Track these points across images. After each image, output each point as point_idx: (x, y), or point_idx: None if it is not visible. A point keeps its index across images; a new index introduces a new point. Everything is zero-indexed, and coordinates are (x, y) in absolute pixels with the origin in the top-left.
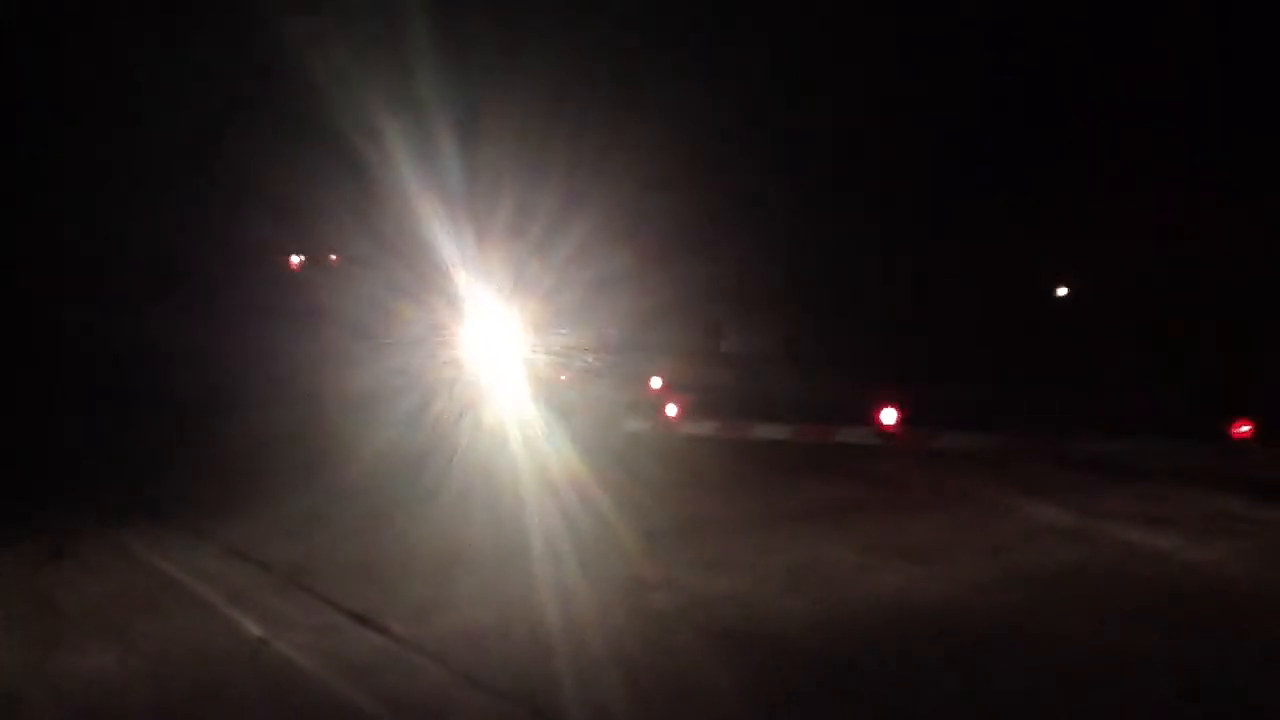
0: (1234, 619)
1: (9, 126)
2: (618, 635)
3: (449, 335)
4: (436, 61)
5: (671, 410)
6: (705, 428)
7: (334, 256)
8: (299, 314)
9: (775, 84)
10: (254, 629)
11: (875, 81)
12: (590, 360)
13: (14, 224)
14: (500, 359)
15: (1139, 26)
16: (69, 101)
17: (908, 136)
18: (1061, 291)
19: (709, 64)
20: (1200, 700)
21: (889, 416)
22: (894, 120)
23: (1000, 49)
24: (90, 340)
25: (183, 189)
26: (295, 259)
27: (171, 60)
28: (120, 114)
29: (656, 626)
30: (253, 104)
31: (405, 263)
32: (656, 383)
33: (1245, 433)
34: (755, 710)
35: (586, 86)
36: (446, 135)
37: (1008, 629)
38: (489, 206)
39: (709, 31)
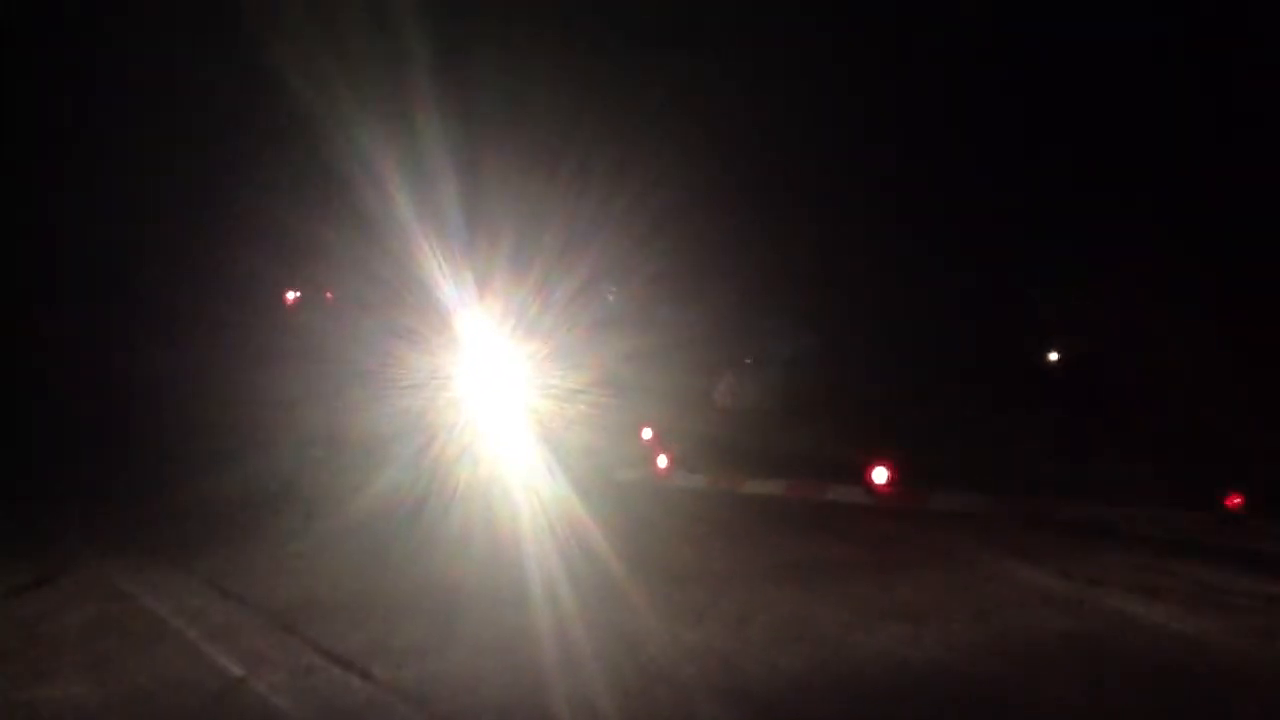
0: (1224, 694)
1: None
2: (601, 686)
3: (448, 376)
4: (438, 101)
5: (662, 462)
6: (695, 481)
7: (329, 294)
8: (296, 353)
9: (770, 125)
10: (232, 667)
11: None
12: (589, 402)
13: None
14: (499, 401)
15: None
16: (65, 134)
17: (905, 196)
18: (1052, 356)
19: (714, 104)
20: None
21: (880, 475)
22: (888, 190)
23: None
24: (84, 375)
25: (179, 224)
26: (291, 295)
27: (167, 93)
28: (116, 148)
29: (641, 679)
30: (251, 140)
31: (404, 303)
32: (647, 434)
33: (1236, 505)
34: None
35: (587, 129)
36: (447, 175)
37: (994, 695)
38: (490, 246)
39: (713, 73)
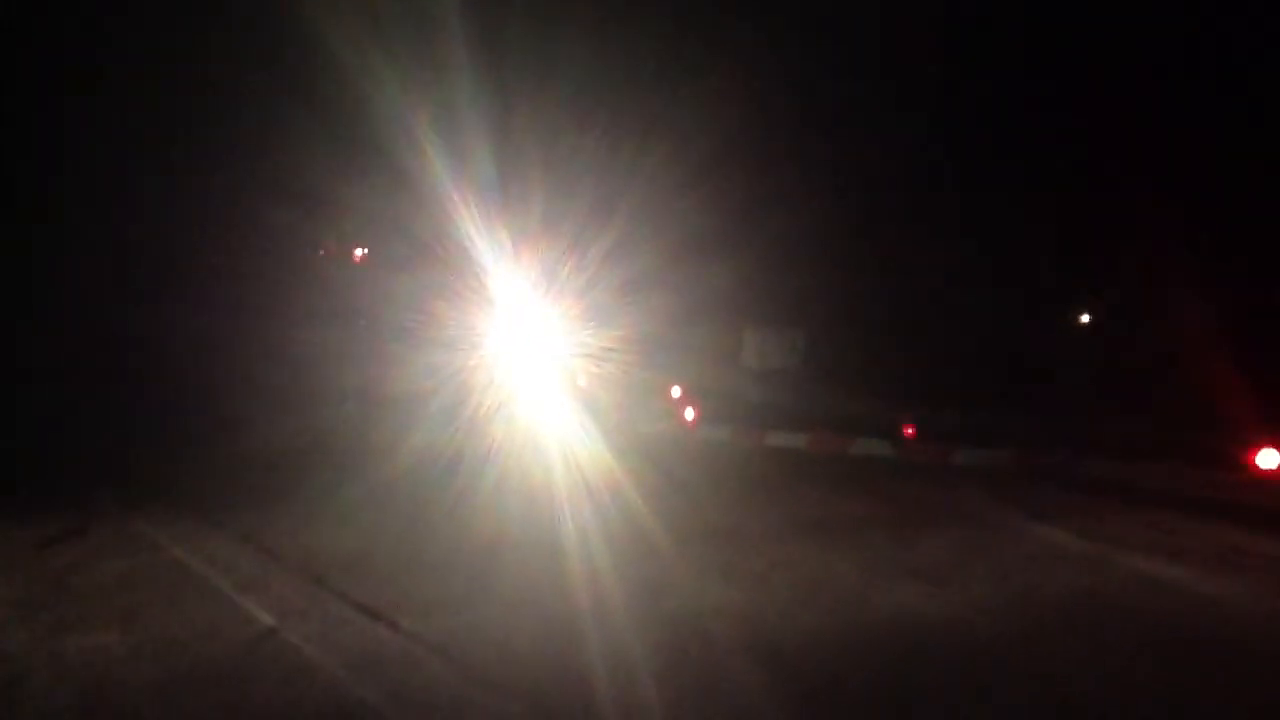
0: (1241, 655)
1: (33, 116)
2: (624, 639)
3: (483, 333)
4: (471, 58)
5: (689, 415)
6: (721, 432)
7: (360, 252)
8: (334, 311)
9: (809, 90)
10: (263, 617)
11: (909, 102)
12: (619, 360)
13: (36, 217)
14: (534, 357)
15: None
16: (95, 93)
17: (939, 157)
18: (1085, 318)
19: (744, 64)
20: None
21: (906, 432)
22: (928, 142)
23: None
24: (120, 331)
25: (215, 182)
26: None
27: (202, 53)
28: (149, 105)
29: (665, 632)
30: (286, 100)
31: (440, 261)
32: (676, 391)
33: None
34: (753, 718)
35: (621, 83)
36: (481, 132)
37: (1011, 653)
38: (523, 205)
39: (744, 34)
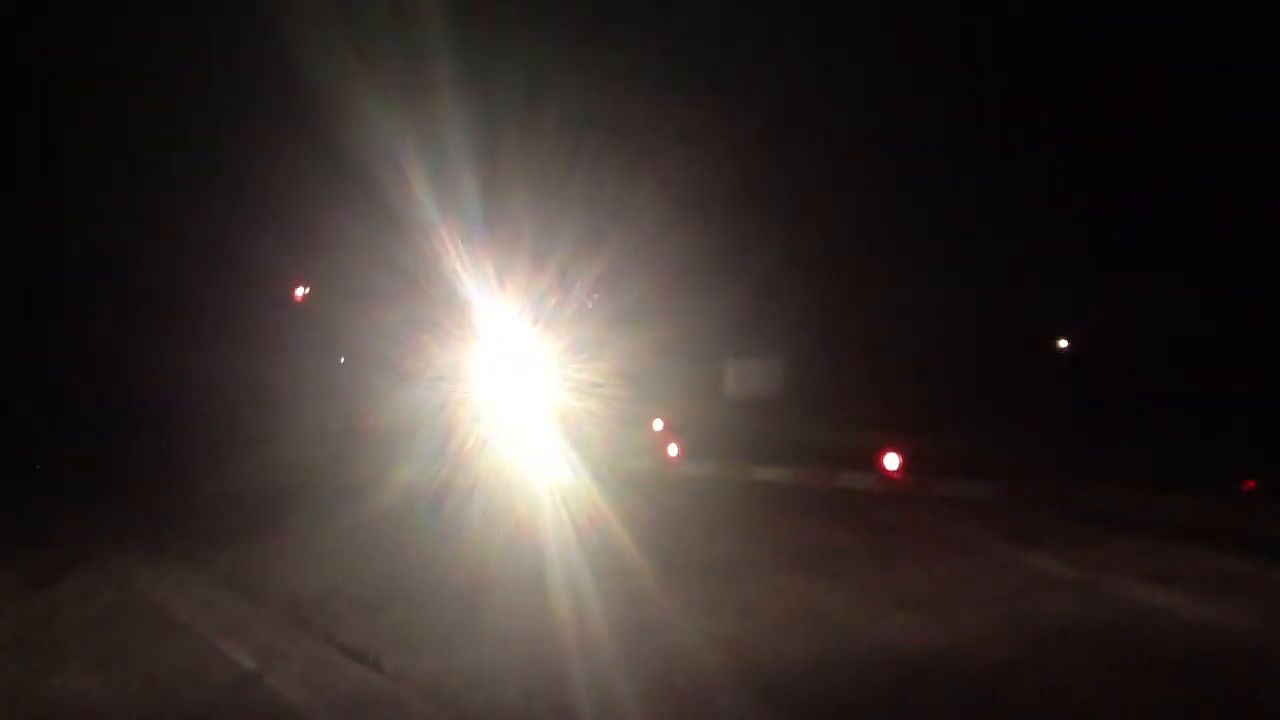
0: (1235, 680)
1: (15, 145)
2: (612, 675)
3: (468, 367)
4: (456, 92)
5: (673, 451)
6: (705, 468)
7: (301, 291)
8: (316, 347)
9: (789, 122)
10: (245, 661)
11: (888, 125)
12: (603, 394)
13: (21, 248)
14: (519, 391)
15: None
16: (78, 123)
17: (914, 187)
18: (1062, 344)
19: (725, 99)
20: None
21: (892, 462)
22: (902, 171)
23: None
24: (98, 367)
25: (197, 218)
26: (300, 291)
27: (181, 84)
28: (131, 138)
29: (654, 668)
30: (270, 133)
31: (425, 295)
32: (658, 424)
33: (1251, 488)
34: None
35: (608, 117)
36: (467, 165)
37: (1005, 682)
38: (509, 238)
39: (718, 75)
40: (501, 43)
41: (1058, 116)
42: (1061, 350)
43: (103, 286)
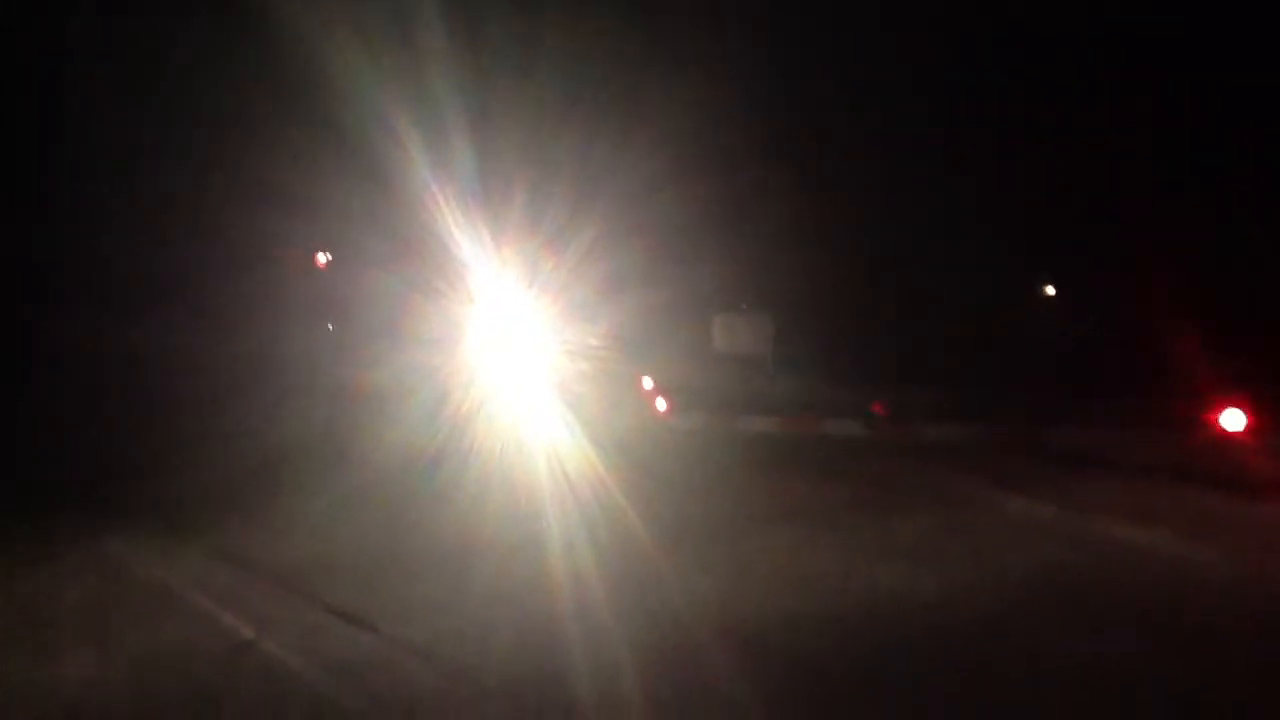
0: (1219, 618)
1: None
2: (606, 634)
3: (464, 331)
4: (449, 55)
5: (662, 405)
6: (694, 420)
7: (324, 257)
8: (312, 312)
9: (777, 84)
10: (241, 629)
11: (872, 89)
12: (594, 354)
13: (7, 223)
14: (514, 354)
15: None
16: (69, 94)
17: (898, 140)
18: (1049, 290)
19: (714, 62)
20: (1185, 701)
21: (877, 409)
22: (889, 124)
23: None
24: (86, 341)
25: (180, 188)
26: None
27: (171, 52)
28: (125, 108)
29: (646, 627)
30: (263, 98)
31: (419, 258)
32: (648, 382)
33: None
34: (737, 711)
35: (598, 82)
36: (460, 130)
37: (994, 629)
38: (503, 203)
39: (715, 31)
40: (493, 5)
41: (1040, 73)
42: (1048, 297)
43: (80, 267)
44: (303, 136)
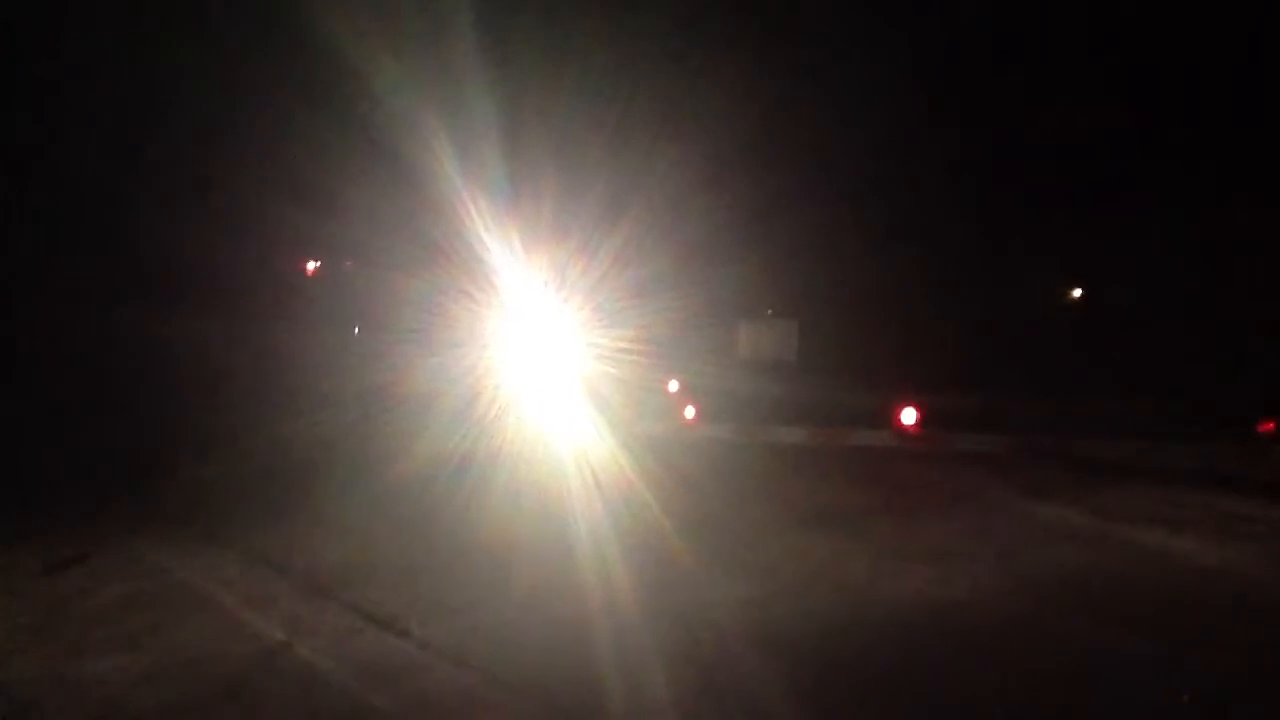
0: (1245, 625)
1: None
2: (636, 634)
3: (493, 334)
4: (481, 56)
5: (690, 412)
6: (722, 430)
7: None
8: (341, 315)
9: (802, 90)
10: (274, 633)
11: (896, 91)
12: (622, 359)
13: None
14: (543, 357)
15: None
16: (78, 93)
17: (923, 147)
18: (1076, 293)
19: (740, 68)
20: (1211, 706)
21: (909, 417)
22: (910, 132)
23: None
24: (113, 345)
25: (210, 188)
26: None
27: (202, 52)
28: (147, 109)
29: (678, 627)
30: (292, 102)
31: (449, 262)
32: (674, 386)
33: (1269, 430)
34: (767, 710)
35: (630, 90)
36: (490, 131)
37: (1021, 632)
38: (533, 205)
39: (737, 43)
40: (525, 9)
41: (1063, 75)
42: (1075, 300)
43: (105, 263)
44: (334, 139)
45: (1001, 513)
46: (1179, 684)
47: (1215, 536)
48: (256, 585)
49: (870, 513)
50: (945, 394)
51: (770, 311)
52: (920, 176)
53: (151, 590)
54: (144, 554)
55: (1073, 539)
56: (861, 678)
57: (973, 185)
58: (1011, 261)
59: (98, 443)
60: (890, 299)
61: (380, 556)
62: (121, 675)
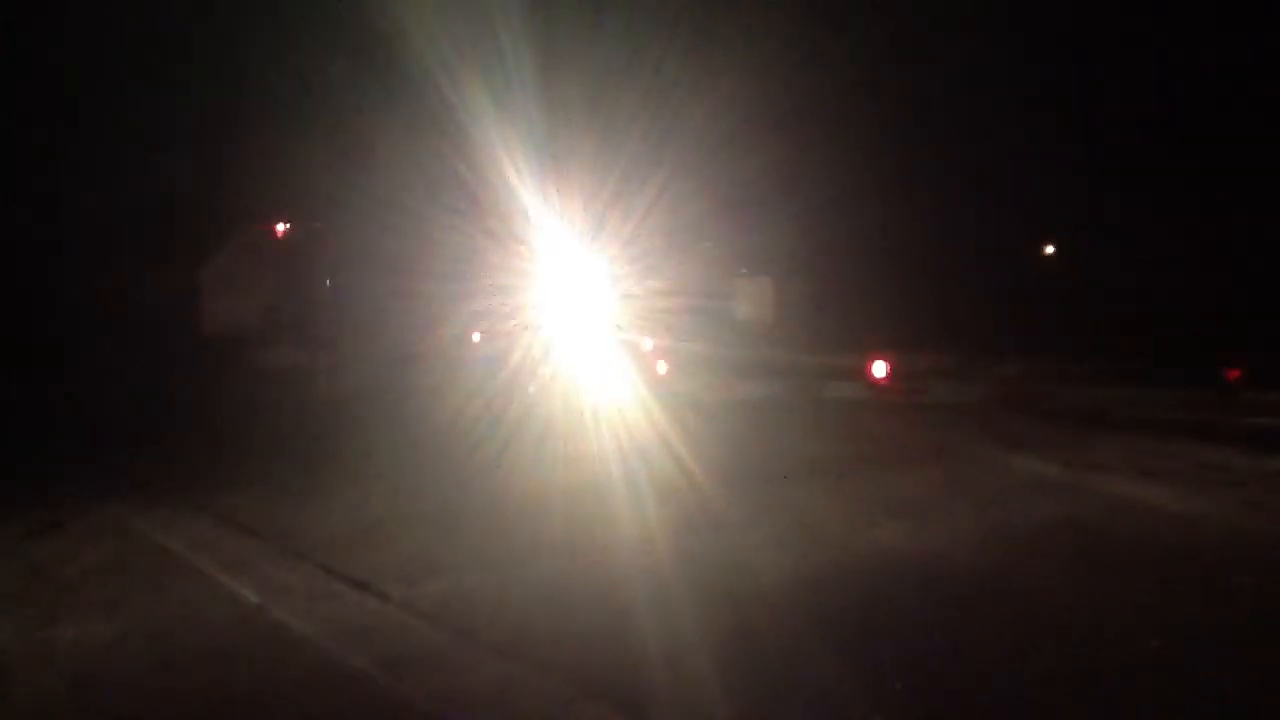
0: (1221, 571)
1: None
2: (611, 593)
3: (525, 294)
4: (519, 13)
5: (662, 368)
6: (694, 384)
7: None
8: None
9: (786, 59)
10: (250, 596)
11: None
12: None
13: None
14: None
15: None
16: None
17: (902, 110)
18: (1049, 249)
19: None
20: (1186, 652)
21: (880, 370)
22: (890, 95)
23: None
24: (96, 307)
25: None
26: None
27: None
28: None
29: (651, 585)
30: (330, 50)
31: (486, 211)
32: (648, 344)
33: (1236, 377)
34: (742, 665)
35: (664, 46)
36: (527, 85)
37: (997, 583)
38: (570, 156)
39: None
40: None
41: (1042, 36)
42: (1046, 257)
43: (95, 220)
44: (367, 88)
45: (974, 466)
46: (1159, 631)
47: (1190, 486)
48: (232, 549)
49: (844, 467)
50: (918, 350)
51: (744, 270)
52: (902, 133)
53: (128, 555)
54: (123, 520)
55: (1044, 489)
56: (832, 628)
57: (947, 139)
58: (983, 216)
59: (80, 407)
60: (864, 255)
61: (358, 517)
62: (98, 639)
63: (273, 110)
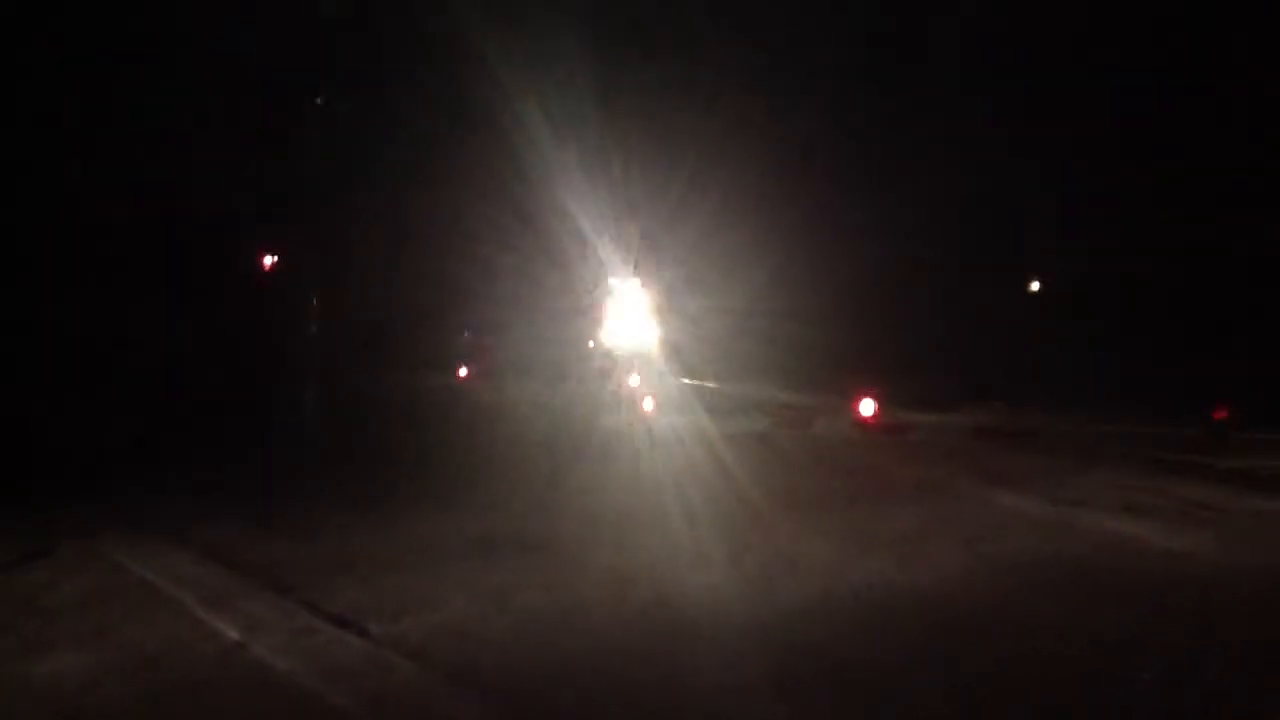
0: (1207, 606)
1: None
2: (594, 633)
3: (587, 320)
4: (576, 29)
5: (649, 405)
6: (681, 421)
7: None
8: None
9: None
10: (230, 632)
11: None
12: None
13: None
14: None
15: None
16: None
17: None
18: (1034, 286)
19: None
20: (1177, 686)
21: (867, 408)
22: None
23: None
24: (92, 332)
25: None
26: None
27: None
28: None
29: (637, 622)
30: (386, 70)
31: (542, 236)
32: (634, 380)
33: (1223, 417)
34: (731, 698)
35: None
36: (585, 105)
37: (984, 618)
38: (623, 179)
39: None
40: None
41: (1031, 56)
42: (1033, 293)
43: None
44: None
45: (962, 500)
46: (1148, 666)
47: (1177, 523)
48: (214, 583)
49: (832, 501)
50: (905, 387)
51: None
52: (886, 170)
53: (112, 587)
54: (106, 551)
55: (1035, 525)
56: (820, 662)
57: (932, 177)
58: (971, 253)
59: (78, 435)
60: (852, 285)
61: (342, 550)
62: (81, 673)
63: None
